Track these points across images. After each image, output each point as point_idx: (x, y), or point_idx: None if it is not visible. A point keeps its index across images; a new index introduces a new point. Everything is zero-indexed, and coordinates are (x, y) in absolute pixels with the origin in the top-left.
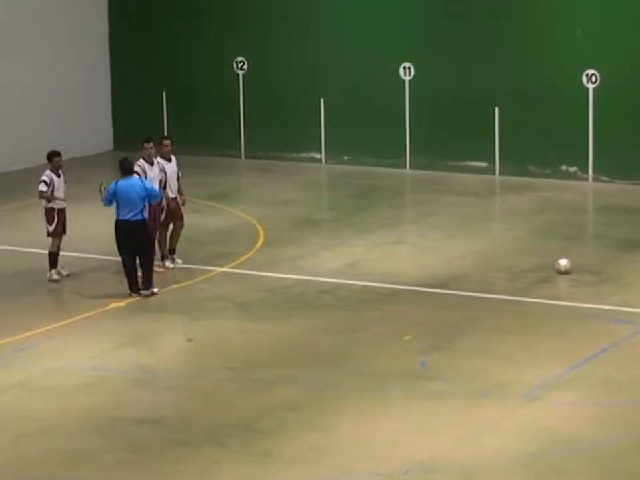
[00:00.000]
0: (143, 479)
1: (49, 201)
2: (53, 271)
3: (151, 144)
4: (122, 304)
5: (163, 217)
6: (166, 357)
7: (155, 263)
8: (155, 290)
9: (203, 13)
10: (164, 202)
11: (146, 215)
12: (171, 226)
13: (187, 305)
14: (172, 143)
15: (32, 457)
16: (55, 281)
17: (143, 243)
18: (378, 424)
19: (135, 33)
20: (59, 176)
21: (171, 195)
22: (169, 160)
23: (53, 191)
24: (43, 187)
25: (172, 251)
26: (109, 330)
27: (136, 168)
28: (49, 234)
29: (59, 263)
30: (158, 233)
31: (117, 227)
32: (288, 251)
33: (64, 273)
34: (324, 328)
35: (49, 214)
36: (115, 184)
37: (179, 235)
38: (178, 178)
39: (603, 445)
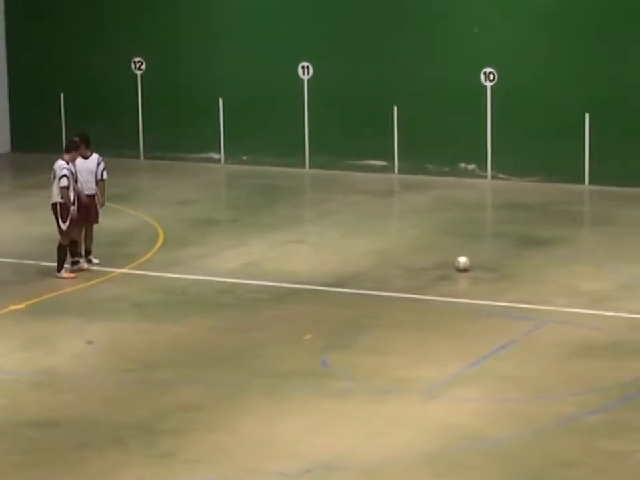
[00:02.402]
0: None
1: None
2: None
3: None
4: (20, 306)
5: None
6: (65, 359)
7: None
8: None
9: (99, 13)
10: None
11: None
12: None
13: (87, 306)
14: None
15: None
16: None
17: None
18: (280, 423)
19: (32, 33)
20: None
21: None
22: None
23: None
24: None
25: (87, 252)
26: (8, 333)
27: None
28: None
29: None
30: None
31: None
32: (187, 251)
33: None
34: (224, 328)
35: None
36: None
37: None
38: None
39: (504, 441)
